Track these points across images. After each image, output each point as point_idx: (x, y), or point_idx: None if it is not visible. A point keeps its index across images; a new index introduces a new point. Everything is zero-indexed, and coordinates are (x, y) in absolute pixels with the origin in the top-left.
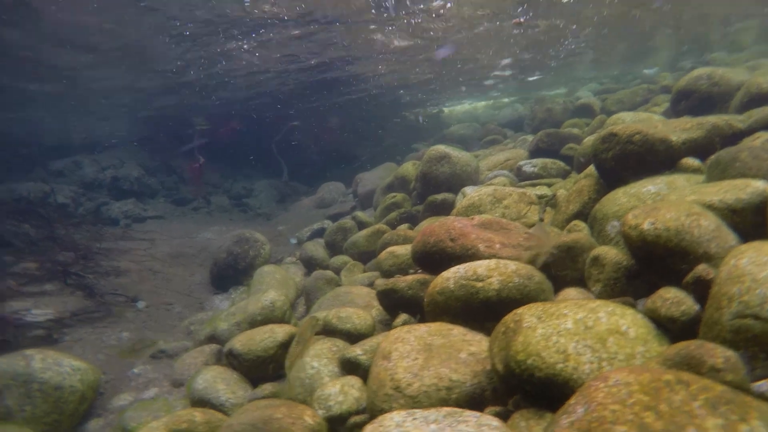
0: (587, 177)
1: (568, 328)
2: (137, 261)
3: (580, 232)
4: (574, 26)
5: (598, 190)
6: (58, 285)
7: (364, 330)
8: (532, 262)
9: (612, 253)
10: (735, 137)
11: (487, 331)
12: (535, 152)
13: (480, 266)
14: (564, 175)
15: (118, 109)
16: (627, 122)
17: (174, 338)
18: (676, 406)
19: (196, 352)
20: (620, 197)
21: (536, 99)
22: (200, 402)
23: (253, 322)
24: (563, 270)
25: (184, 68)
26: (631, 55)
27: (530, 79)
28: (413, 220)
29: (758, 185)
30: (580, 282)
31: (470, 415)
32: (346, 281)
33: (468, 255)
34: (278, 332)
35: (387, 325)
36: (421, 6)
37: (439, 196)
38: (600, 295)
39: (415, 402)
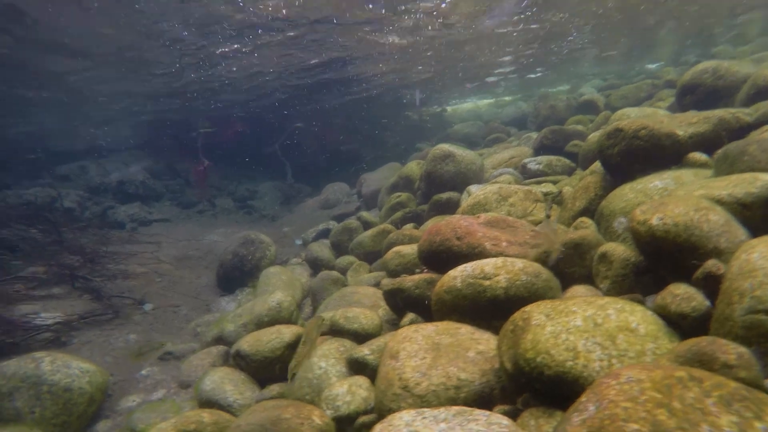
0: (593, 173)
1: (577, 326)
2: (144, 264)
3: (587, 228)
4: (578, 20)
5: (604, 186)
6: (66, 288)
7: (371, 330)
8: (543, 259)
9: (620, 250)
10: (742, 131)
11: (494, 329)
12: (539, 149)
13: (487, 264)
14: (569, 172)
15: (121, 113)
16: (632, 117)
17: (181, 340)
18: (690, 404)
19: (203, 353)
20: (627, 193)
21: (539, 96)
22: (208, 403)
23: (260, 323)
24: (571, 267)
25: (183, 71)
26: (634, 51)
27: (533, 76)
28: (418, 220)
29: None
30: (588, 279)
31: (480, 413)
32: (352, 281)
33: (474, 253)
34: (285, 333)
35: (394, 325)
36: (421, 4)
37: (444, 195)
38: (608, 292)
39: (423, 401)
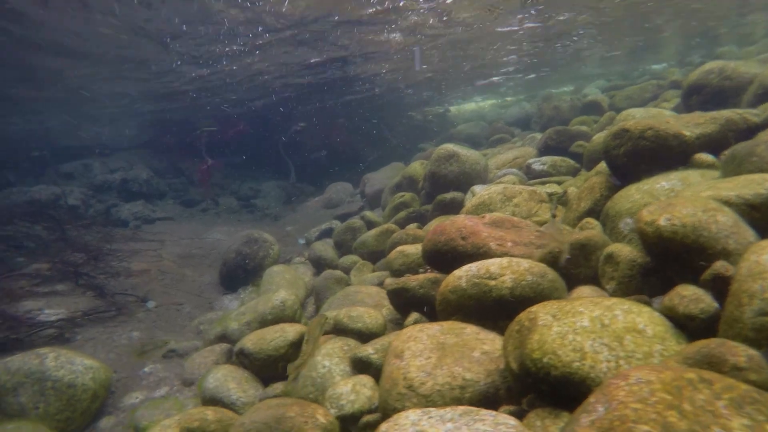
0: (598, 174)
1: (584, 326)
2: (147, 262)
3: (592, 229)
4: (583, 17)
5: (609, 187)
6: (70, 285)
7: (375, 329)
8: (549, 259)
9: (626, 251)
10: (750, 131)
11: (500, 329)
12: (543, 150)
13: (492, 264)
14: (574, 172)
15: (124, 112)
16: (638, 118)
17: (184, 338)
18: (700, 405)
19: (207, 351)
20: (633, 194)
21: (543, 97)
22: (211, 401)
23: (264, 322)
24: (576, 268)
25: (183, 70)
26: (639, 51)
27: (536, 76)
28: (422, 220)
29: None
30: (593, 280)
31: (486, 413)
32: (356, 281)
33: (479, 253)
34: (289, 331)
35: (398, 324)
36: (425, 5)
37: (448, 195)
38: (614, 293)
39: (428, 401)
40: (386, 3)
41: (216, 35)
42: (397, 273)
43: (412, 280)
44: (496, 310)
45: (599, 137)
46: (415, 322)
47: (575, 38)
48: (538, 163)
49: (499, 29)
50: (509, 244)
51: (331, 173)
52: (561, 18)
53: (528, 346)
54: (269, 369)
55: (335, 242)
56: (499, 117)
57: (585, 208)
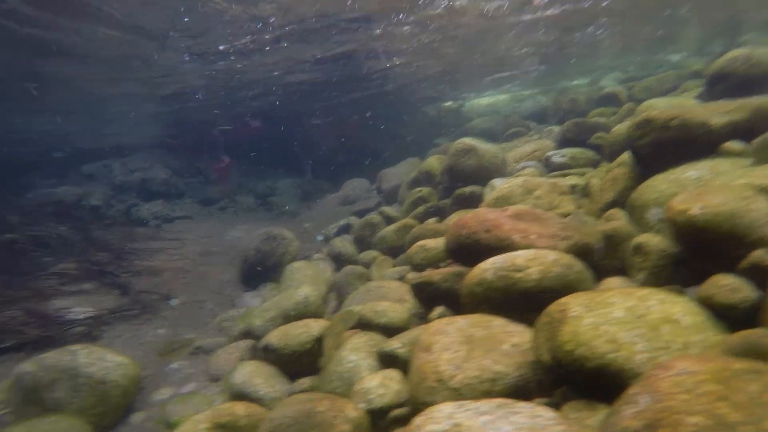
0: (621, 165)
1: (618, 317)
2: (168, 260)
3: (618, 220)
4: (606, 2)
5: (633, 177)
6: (95, 284)
7: (399, 323)
8: (577, 250)
9: (655, 241)
10: None
11: (527, 322)
12: (562, 142)
13: (518, 257)
14: (594, 164)
15: (141, 114)
16: (661, 108)
17: (207, 335)
18: (752, 397)
19: (231, 347)
20: (659, 184)
21: (559, 90)
22: (239, 396)
23: (287, 318)
24: (603, 259)
25: (191, 68)
26: (657, 41)
27: (551, 68)
28: (440, 214)
29: None
30: (620, 271)
31: (523, 406)
32: (377, 276)
33: (503, 246)
34: (313, 327)
35: (421, 319)
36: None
37: (467, 189)
38: (644, 284)
39: (458, 394)
40: None
41: (223, 31)
42: (417, 267)
43: (436, 274)
44: (522, 302)
45: (620, 128)
46: (440, 316)
47: (591, 29)
48: (558, 156)
49: (519, 18)
50: (533, 236)
51: (347, 170)
52: (585, 5)
53: (560, 338)
54: (295, 364)
55: (354, 238)
56: (513, 111)
57: (608, 199)
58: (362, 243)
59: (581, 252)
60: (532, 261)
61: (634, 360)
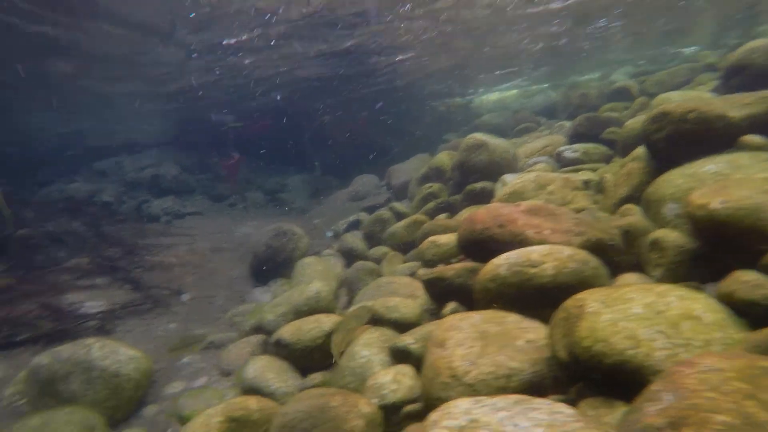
0: (635, 160)
1: (637, 313)
2: (179, 256)
3: (633, 216)
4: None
5: (649, 172)
6: (107, 279)
7: (411, 319)
8: (592, 246)
9: (673, 236)
10: None
11: (542, 318)
12: (574, 137)
13: (533, 252)
14: (607, 159)
15: (150, 111)
16: (676, 101)
17: (218, 330)
18: None
19: (243, 342)
20: (676, 178)
21: (569, 85)
22: (251, 390)
23: (299, 313)
24: (618, 255)
25: (198, 65)
26: (669, 34)
27: (561, 63)
28: (451, 210)
29: None
30: (636, 267)
31: (541, 402)
32: (387, 271)
33: (516, 242)
34: (325, 322)
35: (433, 314)
36: None
37: (478, 185)
38: (661, 280)
39: (473, 390)
40: None
41: (230, 26)
42: (429, 263)
43: (449, 270)
44: (537, 298)
45: (634, 122)
46: (453, 312)
47: (603, 21)
48: (570, 151)
49: (529, 10)
50: (547, 231)
51: (356, 166)
52: None
53: (577, 334)
54: (306, 359)
55: (364, 234)
56: (523, 106)
57: (623, 194)
58: (372, 239)
59: (596, 248)
60: (547, 256)
61: (654, 357)
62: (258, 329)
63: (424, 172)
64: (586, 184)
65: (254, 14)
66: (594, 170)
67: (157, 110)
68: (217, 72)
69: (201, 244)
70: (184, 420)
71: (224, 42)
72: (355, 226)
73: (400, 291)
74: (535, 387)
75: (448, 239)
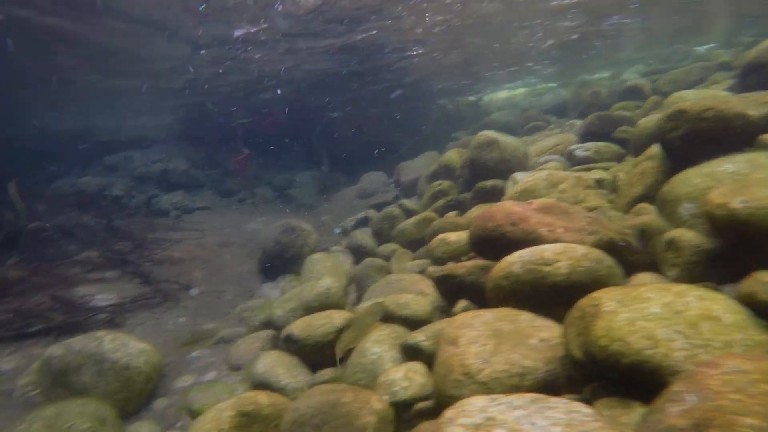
0: (649, 159)
1: (654, 313)
2: (188, 250)
3: (648, 215)
4: None
5: (663, 171)
6: (117, 272)
7: (422, 316)
8: (606, 245)
9: (689, 236)
10: None
11: (555, 316)
12: (585, 136)
13: (547, 250)
14: (618, 158)
15: (161, 106)
16: (692, 99)
17: (227, 324)
18: None
19: (252, 337)
20: (692, 178)
21: (580, 83)
22: (261, 385)
23: (309, 309)
24: (633, 254)
25: (213, 61)
26: (682, 32)
27: (571, 62)
28: (460, 208)
29: None
30: (651, 267)
31: (558, 401)
32: (396, 269)
33: (529, 240)
34: (336, 318)
35: (444, 312)
36: None
37: (489, 183)
38: (677, 280)
39: (486, 388)
40: None
41: (238, 21)
42: (438, 261)
43: (461, 267)
44: (551, 296)
45: (647, 121)
46: (464, 310)
47: (617, 18)
48: (581, 149)
49: (542, 5)
50: (560, 230)
51: (364, 162)
52: None
53: (593, 333)
54: (317, 355)
55: (373, 231)
56: (532, 105)
57: (637, 193)
58: (381, 236)
59: (610, 247)
60: (561, 255)
61: (673, 357)
62: (267, 324)
63: (433, 170)
64: (599, 183)
65: (256, 6)
66: (606, 169)
67: (166, 106)
68: (228, 63)
69: (210, 239)
70: (194, 414)
71: (235, 33)
72: (363, 223)
73: (410, 288)
74: (548, 386)
75: (458, 237)
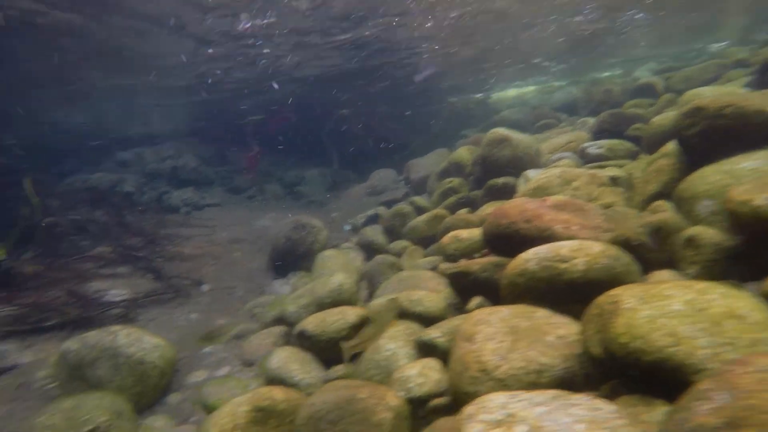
0: (665, 156)
1: (677, 310)
2: (199, 246)
3: (664, 212)
4: None
5: (680, 168)
6: (130, 268)
7: (436, 313)
8: (622, 242)
9: (709, 234)
10: None
11: (572, 313)
12: (598, 134)
13: (563, 247)
14: (632, 156)
15: (171, 104)
16: (709, 96)
17: (239, 320)
18: None
19: (264, 333)
20: (710, 175)
21: (591, 81)
22: (275, 381)
23: (321, 305)
24: (649, 252)
25: (222, 58)
26: (696, 30)
27: (582, 59)
28: (471, 205)
29: None
30: (668, 264)
31: (580, 398)
32: (408, 265)
33: (543, 237)
34: (350, 314)
35: (457, 309)
36: None
37: (500, 180)
38: (696, 278)
39: (503, 385)
40: None
41: (247, 16)
42: (450, 258)
43: (474, 264)
44: (567, 293)
45: (662, 119)
46: (478, 306)
47: (630, 14)
48: (594, 147)
49: (556, 1)
50: (575, 227)
51: (374, 160)
52: None
53: (613, 330)
54: (330, 351)
55: (384, 228)
56: (542, 102)
57: (652, 191)
58: (392, 233)
59: (626, 244)
60: (577, 252)
61: (697, 355)
62: (279, 320)
63: (444, 167)
64: (613, 181)
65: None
66: (620, 166)
67: (176, 103)
68: (239, 58)
69: (220, 235)
70: (209, 408)
71: (242, 26)
72: (373, 220)
73: (422, 285)
74: (566, 383)
75: (470, 234)
